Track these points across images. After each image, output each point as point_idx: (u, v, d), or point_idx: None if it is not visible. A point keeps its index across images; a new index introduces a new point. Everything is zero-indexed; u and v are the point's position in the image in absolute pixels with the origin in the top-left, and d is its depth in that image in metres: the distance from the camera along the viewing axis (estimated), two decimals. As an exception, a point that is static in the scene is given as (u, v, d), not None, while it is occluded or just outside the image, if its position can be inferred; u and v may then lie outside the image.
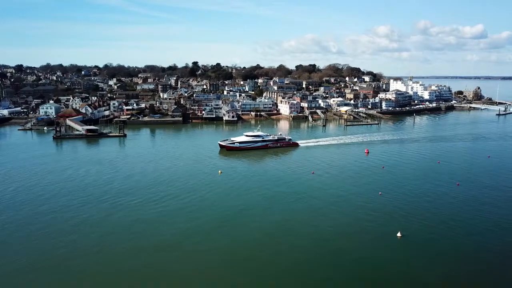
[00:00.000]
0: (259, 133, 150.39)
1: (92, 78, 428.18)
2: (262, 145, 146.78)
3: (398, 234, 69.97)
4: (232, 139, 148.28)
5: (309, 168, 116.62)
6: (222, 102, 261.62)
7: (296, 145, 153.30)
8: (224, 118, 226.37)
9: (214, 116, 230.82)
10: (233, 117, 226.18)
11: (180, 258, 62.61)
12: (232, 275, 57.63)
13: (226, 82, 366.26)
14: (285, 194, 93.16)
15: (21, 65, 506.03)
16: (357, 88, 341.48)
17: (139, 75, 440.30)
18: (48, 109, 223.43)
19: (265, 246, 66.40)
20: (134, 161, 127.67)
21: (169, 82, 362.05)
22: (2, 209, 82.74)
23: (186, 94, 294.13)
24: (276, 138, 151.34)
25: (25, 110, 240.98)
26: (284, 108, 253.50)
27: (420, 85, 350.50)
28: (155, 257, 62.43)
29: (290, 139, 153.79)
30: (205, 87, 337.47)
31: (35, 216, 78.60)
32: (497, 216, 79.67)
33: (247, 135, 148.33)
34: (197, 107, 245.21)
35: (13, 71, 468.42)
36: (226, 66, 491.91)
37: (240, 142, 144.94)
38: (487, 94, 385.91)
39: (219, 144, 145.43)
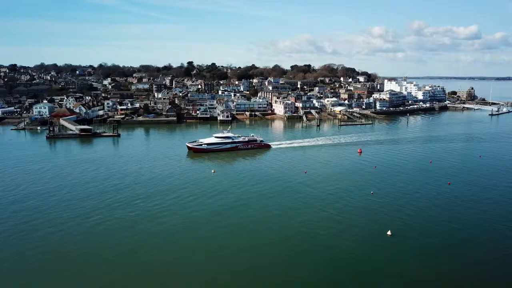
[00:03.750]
0: (229, 134, 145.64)
1: (87, 78, 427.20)
2: (232, 146, 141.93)
3: (389, 233, 70.58)
4: (200, 140, 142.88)
5: (302, 168, 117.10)
6: (217, 102, 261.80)
7: (268, 146, 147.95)
8: (218, 118, 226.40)
9: (208, 116, 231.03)
10: (227, 117, 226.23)
11: (179, 256, 62.86)
12: (230, 273, 57.92)
13: (221, 82, 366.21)
14: (279, 193, 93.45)
15: (15, 65, 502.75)
16: (352, 88, 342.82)
17: (134, 75, 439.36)
18: (42, 109, 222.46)
19: (260, 244, 66.91)
20: (128, 160, 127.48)
21: (163, 82, 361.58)
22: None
23: (180, 94, 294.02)
24: (247, 139, 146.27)
25: (18, 109, 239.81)
26: (278, 108, 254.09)
27: (414, 85, 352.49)
28: (151, 255, 62.69)
29: (262, 141, 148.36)
30: (200, 87, 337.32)
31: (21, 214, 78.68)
32: (487, 215, 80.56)
33: (216, 137, 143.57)
34: (191, 107, 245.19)
35: (7, 70, 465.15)
36: (221, 66, 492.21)
37: (208, 144, 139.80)
38: (480, 94, 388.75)
39: (186, 145, 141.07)
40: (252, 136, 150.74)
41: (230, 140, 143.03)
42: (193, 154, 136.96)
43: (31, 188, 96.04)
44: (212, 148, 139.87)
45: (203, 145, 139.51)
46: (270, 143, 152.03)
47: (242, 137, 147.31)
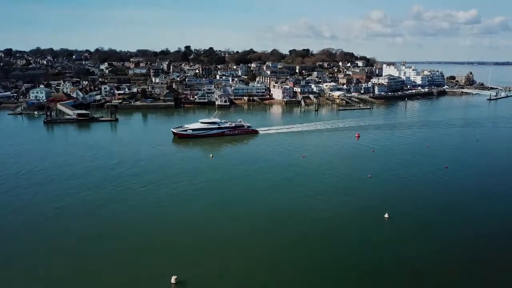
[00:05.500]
0: (215, 119, 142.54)
1: (83, 63, 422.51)
2: (218, 132, 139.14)
3: (386, 215, 71.26)
4: (185, 126, 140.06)
5: (300, 152, 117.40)
6: (215, 87, 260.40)
7: (256, 132, 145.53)
8: (216, 103, 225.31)
9: (206, 100, 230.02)
10: (225, 101, 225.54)
11: (180, 242, 63.24)
12: (230, 256, 58.27)
13: (219, 67, 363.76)
14: (277, 177, 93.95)
15: (10, 49, 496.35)
16: (350, 73, 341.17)
17: (131, 59, 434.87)
18: (39, 94, 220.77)
19: (258, 227, 67.58)
20: (126, 145, 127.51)
21: (161, 67, 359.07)
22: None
23: (178, 79, 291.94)
24: (233, 125, 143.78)
25: (15, 94, 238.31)
26: (277, 93, 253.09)
27: (413, 70, 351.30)
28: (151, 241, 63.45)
29: (249, 126, 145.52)
30: (197, 71, 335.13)
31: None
32: (483, 198, 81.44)
33: (202, 122, 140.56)
34: (189, 92, 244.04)
35: (2, 55, 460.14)
36: (219, 51, 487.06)
37: (193, 130, 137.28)
38: (479, 79, 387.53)
39: (172, 131, 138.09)
40: (240, 121, 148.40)
41: (216, 126, 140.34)
42: (178, 140, 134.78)
43: (29, 171, 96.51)
44: (198, 133, 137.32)
45: (188, 131, 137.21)
46: (258, 129, 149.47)
47: (228, 123, 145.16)
